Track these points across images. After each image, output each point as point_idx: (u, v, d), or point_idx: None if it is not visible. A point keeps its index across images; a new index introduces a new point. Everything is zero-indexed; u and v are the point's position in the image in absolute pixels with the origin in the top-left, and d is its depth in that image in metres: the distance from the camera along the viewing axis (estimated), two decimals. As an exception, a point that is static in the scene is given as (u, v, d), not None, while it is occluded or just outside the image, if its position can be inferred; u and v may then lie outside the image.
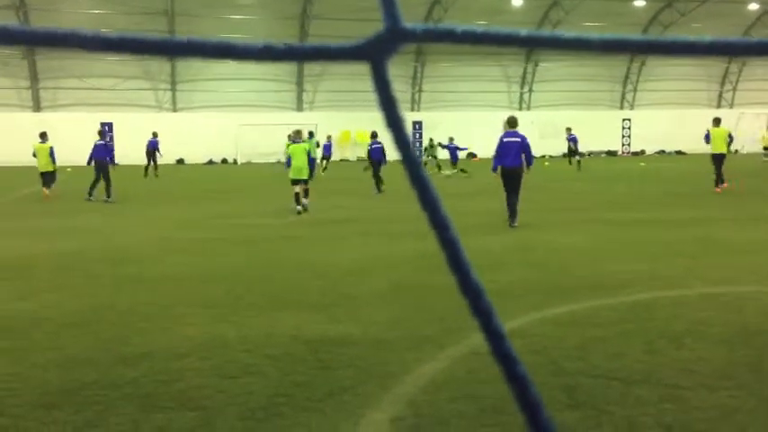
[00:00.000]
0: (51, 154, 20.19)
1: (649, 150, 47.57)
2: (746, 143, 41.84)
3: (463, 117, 44.92)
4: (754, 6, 42.26)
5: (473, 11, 40.08)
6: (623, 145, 48.78)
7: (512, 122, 13.12)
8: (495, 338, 0.55)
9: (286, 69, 43.76)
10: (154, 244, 11.21)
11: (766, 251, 9.71)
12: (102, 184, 19.37)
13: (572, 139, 32.04)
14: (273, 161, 40.18)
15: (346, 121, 40.36)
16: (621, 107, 49.03)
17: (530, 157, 12.78)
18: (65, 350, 5.62)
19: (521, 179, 12.80)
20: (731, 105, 48.97)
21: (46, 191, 19.86)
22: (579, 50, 0.57)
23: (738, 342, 5.59)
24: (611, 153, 48.00)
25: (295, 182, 15.57)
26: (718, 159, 18.62)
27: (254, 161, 41.12)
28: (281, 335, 5.96)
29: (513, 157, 12.62)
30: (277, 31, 40.86)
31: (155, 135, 32.18)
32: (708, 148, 18.95)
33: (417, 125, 44.50)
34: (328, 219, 14.33)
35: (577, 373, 4.94)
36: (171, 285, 8.04)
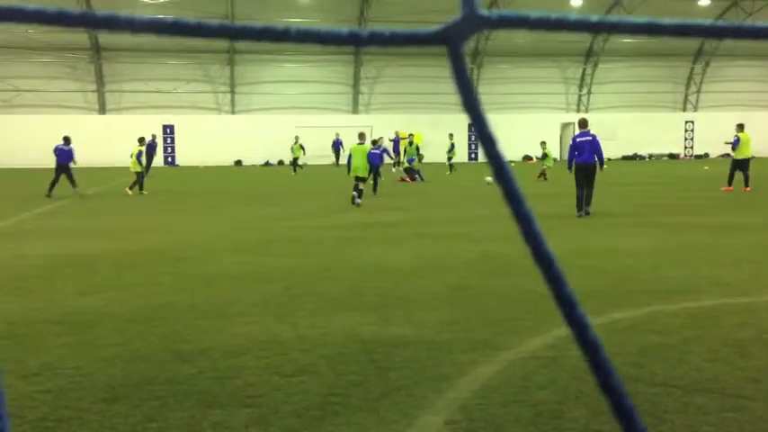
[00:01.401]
0: (138, 156, 22.01)
1: (713, 153, 46.26)
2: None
3: (520, 119, 44.47)
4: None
5: (530, 11, 39.65)
6: (686, 148, 47.55)
7: (583, 123, 14.50)
8: (579, 327, 0.55)
9: (342, 72, 44.13)
10: (212, 242, 11.43)
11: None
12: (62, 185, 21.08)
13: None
14: (329, 162, 40.53)
15: (402, 124, 40.36)
16: (684, 109, 47.79)
17: (600, 156, 14.19)
18: (127, 346, 5.77)
19: (594, 174, 14.14)
20: (800, 107, 47.25)
21: (128, 189, 21.41)
22: (650, 35, 0.56)
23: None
24: (672, 156, 46.84)
25: (356, 178, 17.27)
26: (745, 163, 19.85)
27: (309, 163, 41.55)
28: (336, 335, 6.00)
29: (586, 154, 14.04)
30: (334, 33, 41.16)
31: (153, 137, 33.95)
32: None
33: (471, 128, 44.33)
34: (380, 220, 14.37)
35: (637, 380, 4.83)
36: (229, 284, 8.18)
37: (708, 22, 0.55)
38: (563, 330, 5.99)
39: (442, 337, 5.90)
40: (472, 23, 0.53)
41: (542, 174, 26.60)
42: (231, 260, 9.82)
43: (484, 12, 0.54)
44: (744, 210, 15.35)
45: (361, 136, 17.96)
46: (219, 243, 11.47)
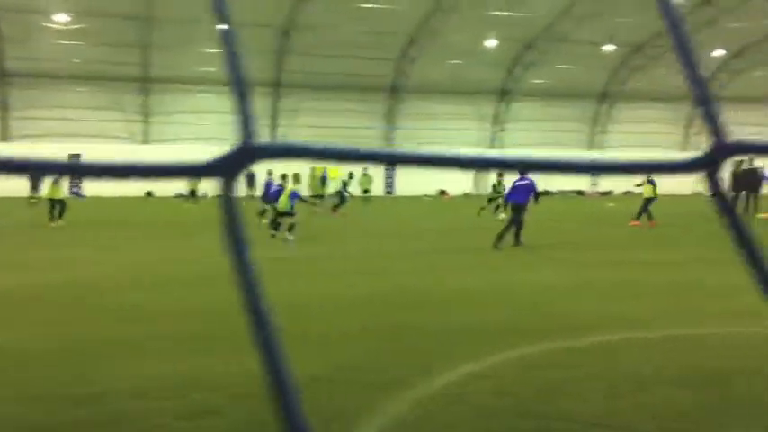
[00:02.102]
0: (55, 181, 21.31)
1: (617, 191, 48.32)
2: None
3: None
4: (719, 52, 43.49)
5: (447, 50, 40.67)
6: (592, 185, 49.48)
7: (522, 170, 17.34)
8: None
9: (261, 105, 43.91)
10: (123, 277, 11.03)
11: (730, 294, 9.83)
12: None
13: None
14: (243, 195, 40.07)
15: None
16: (590, 148, 49.83)
17: (536, 194, 16.94)
18: (22, 388, 5.46)
19: (525, 211, 16.51)
20: (697, 148, 50.06)
21: (57, 221, 20.66)
22: (464, 168, 0.56)
23: (700, 385, 5.61)
24: (579, 193, 48.62)
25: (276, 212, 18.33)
26: (649, 202, 22.44)
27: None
28: (244, 374, 5.85)
29: (522, 195, 16.48)
30: (253, 65, 41.00)
31: None
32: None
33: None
34: (295, 255, 14.25)
35: (543, 416, 4.92)
36: (140, 321, 7.89)
37: (546, 158, 0.56)
38: (471, 366, 6.06)
39: (353, 376, 5.86)
40: (248, 155, 0.51)
41: (492, 208, 25.06)
42: (141, 296, 9.50)
43: (260, 143, 0.53)
44: (650, 246, 16.03)
45: (296, 177, 18.77)
46: (129, 277, 11.08)
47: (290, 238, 17.28)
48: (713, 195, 0.56)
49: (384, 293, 9.62)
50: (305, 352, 6.55)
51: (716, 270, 12.00)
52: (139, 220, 24.37)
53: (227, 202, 0.53)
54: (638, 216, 21.82)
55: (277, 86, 43.10)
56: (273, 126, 44.31)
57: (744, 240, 0.53)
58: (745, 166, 28.51)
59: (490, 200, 26.04)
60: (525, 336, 7.20)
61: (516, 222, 16.40)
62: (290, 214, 17.96)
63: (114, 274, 11.36)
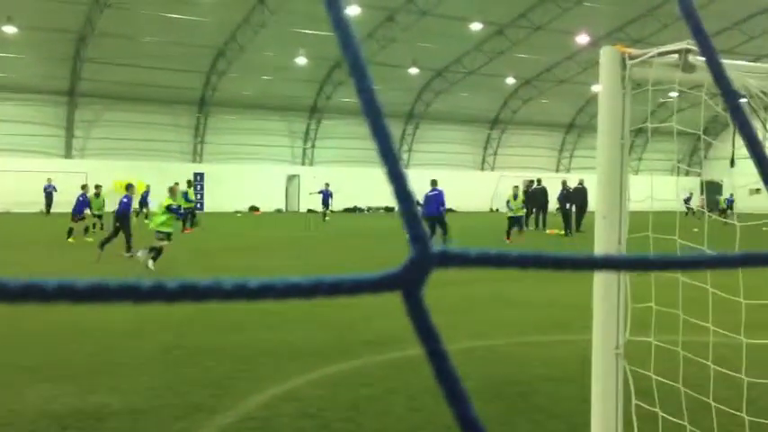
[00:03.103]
0: None
1: (423, 207, 50.60)
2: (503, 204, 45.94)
3: (247, 170, 44.75)
4: (510, 80, 47.13)
5: (257, 66, 40.40)
6: (401, 202, 51.44)
7: (433, 183, 18.71)
8: None
9: (53, 114, 40.92)
10: None
11: (520, 306, 10.63)
12: None
13: (324, 193, 35.44)
14: (36, 211, 36.99)
15: (121, 171, 38.12)
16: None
17: (443, 205, 18.41)
18: None
19: (442, 220, 18.10)
20: (493, 168, 53.69)
21: None
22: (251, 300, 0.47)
23: (491, 394, 5.98)
24: (389, 209, 50.30)
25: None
26: (516, 219, 22.97)
27: (12, 211, 37.48)
28: (28, 410, 5.37)
29: (434, 206, 18.04)
30: (47, 72, 38.15)
31: None
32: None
33: (199, 177, 43.43)
34: (95, 272, 13.34)
35: (345, 434, 4.99)
36: None
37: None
38: (279, 388, 6.02)
39: (152, 404, 5.58)
40: None
41: None
42: None
43: None
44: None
45: (171, 190, 15.75)
46: None
47: (152, 266, 14.19)
48: (413, 321, 0.46)
49: (185, 313, 9.28)
50: (97, 382, 6.15)
51: (511, 284, 12.91)
52: None
53: None
54: (508, 234, 22.18)
55: (72, 95, 40.35)
56: (69, 137, 41.39)
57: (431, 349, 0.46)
58: (535, 186, 31.07)
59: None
60: (330, 354, 7.28)
61: (434, 231, 17.59)
62: (166, 235, 14.63)
63: None
